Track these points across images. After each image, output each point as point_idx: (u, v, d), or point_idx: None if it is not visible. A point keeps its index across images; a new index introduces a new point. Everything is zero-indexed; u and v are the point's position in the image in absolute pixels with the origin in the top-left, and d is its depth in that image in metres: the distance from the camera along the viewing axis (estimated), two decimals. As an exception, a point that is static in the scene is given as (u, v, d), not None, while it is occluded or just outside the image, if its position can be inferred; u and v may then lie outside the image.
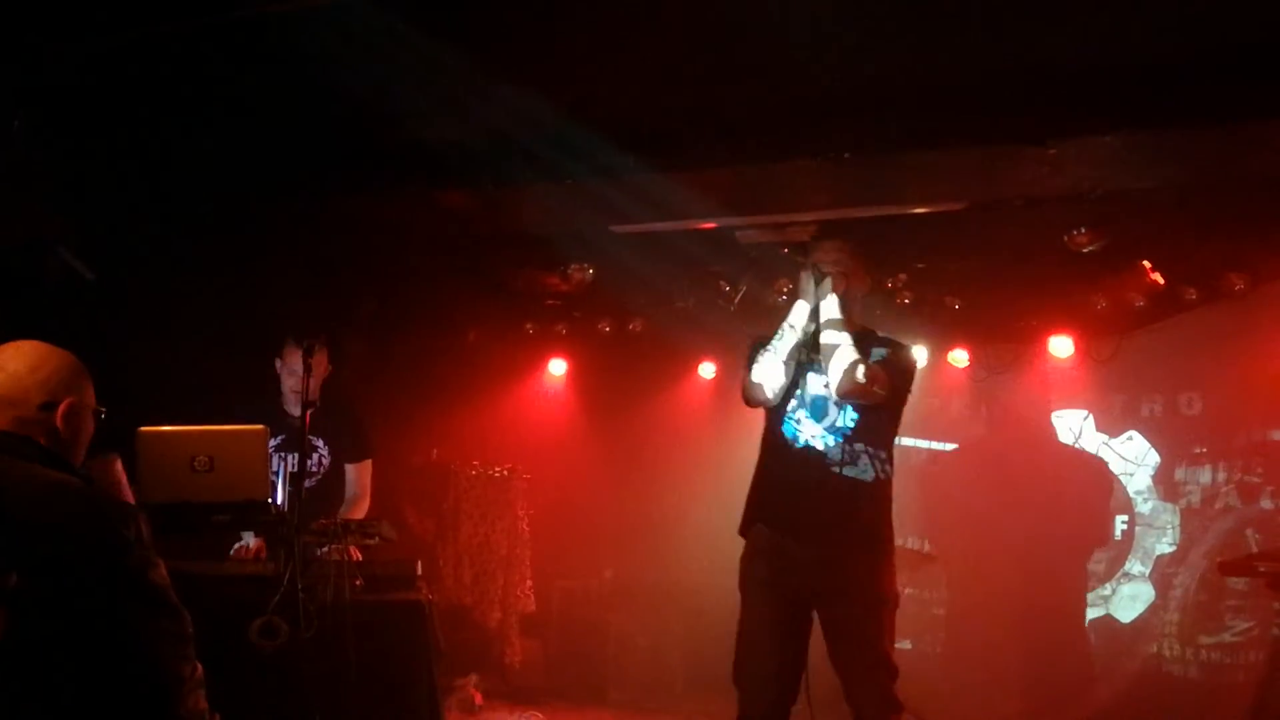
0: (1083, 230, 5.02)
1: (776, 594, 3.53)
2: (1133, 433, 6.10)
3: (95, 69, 3.90)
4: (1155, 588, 5.94)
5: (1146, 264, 4.91)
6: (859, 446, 3.48)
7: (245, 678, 3.00)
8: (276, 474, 4.28)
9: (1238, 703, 5.25)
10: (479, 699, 6.05)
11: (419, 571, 4.06)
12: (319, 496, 4.41)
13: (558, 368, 7.22)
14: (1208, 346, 5.57)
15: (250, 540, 4.18)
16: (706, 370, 7.04)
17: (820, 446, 3.50)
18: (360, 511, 4.47)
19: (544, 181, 4.61)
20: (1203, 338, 5.54)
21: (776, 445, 3.60)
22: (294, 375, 4.33)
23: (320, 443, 4.51)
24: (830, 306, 3.52)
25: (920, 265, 5.69)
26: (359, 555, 3.87)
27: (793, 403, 3.56)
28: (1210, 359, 5.63)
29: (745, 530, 3.72)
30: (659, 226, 5.44)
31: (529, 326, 6.95)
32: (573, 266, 6.07)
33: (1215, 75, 3.64)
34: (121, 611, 1.95)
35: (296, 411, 4.25)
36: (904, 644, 5.19)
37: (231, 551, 4.17)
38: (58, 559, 1.92)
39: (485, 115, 4.19)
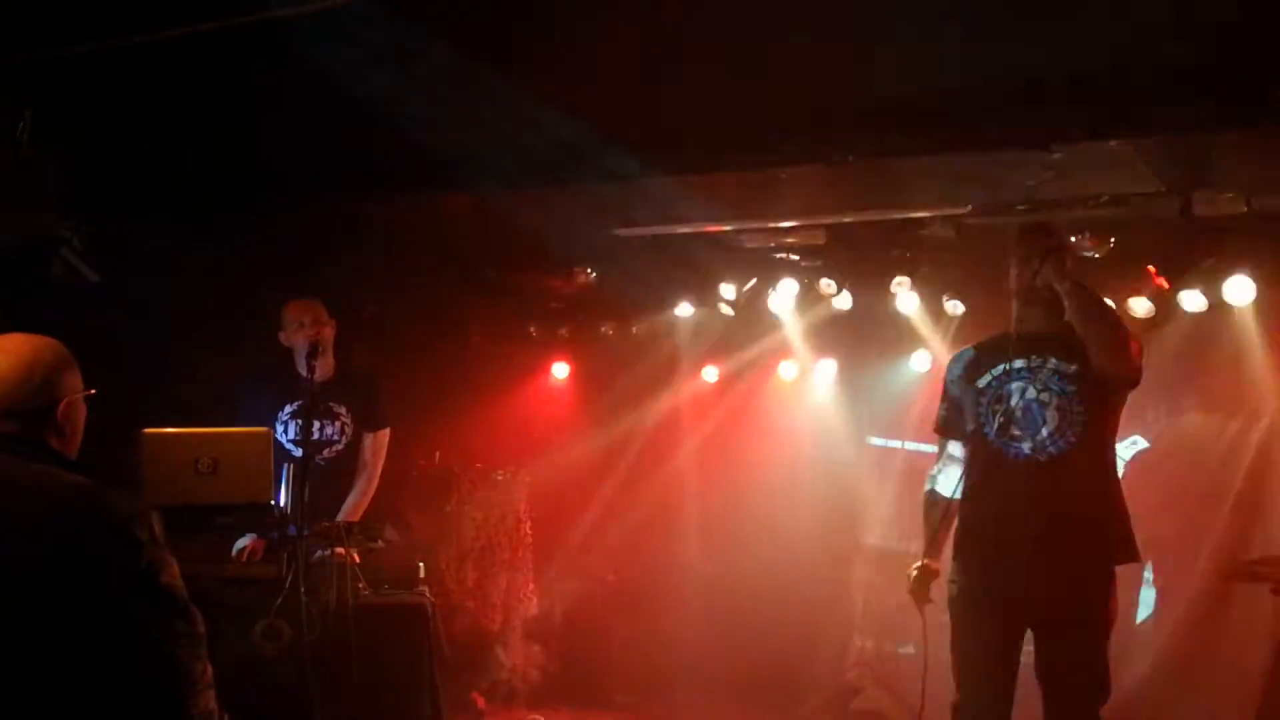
0: (1086, 235, 5.02)
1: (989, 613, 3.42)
2: (1137, 437, 6.09)
3: (100, 72, 3.91)
4: (1157, 594, 5.92)
5: (1151, 269, 4.91)
6: (1078, 452, 3.33)
7: (248, 680, 3.00)
8: (293, 442, 4.26)
9: (1242, 707, 5.24)
10: (481, 702, 6.04)
11: (421, 574, 4.06)
12: (340, 467, 4.37)
13: (560, 370, 7.21)
14: (1212, 351, 5.56)
15: (249, 540, 4.16)
16: (710, 374, 7.03)
17: (1040, 459, 3.35)
18: (368, 492, 4.40)
19: (547, 185, 4.62)
20: (1207, 342, 5.53)
21: (992, 460, 3.45)
22: (300, 329, 4.29)
23: (344, 410, 4.43)
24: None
25: (924, 269, 5.69)
26: (356, 558, 3.84)
27: (1001, 419, 3.42)
28: (1214, 364, 5.61)
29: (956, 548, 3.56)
30: (662, 230, 5.45)
31: (532, 329, 6.95)
32: (576, 269, 6.08)
33: (1220, 80, 3.63)
34: (134, 612, 1.94)
35: (312, 374, 4.17)
36: (907, 648, 5.18)
37: (234, 551, 4.16)
38: (69, 560, 1.92)
39: (488, 119, 4.19)
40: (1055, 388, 3.37)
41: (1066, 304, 3.36)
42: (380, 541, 3.93)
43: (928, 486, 3.70)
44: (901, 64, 3.71)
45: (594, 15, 3.58)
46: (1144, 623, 5.93)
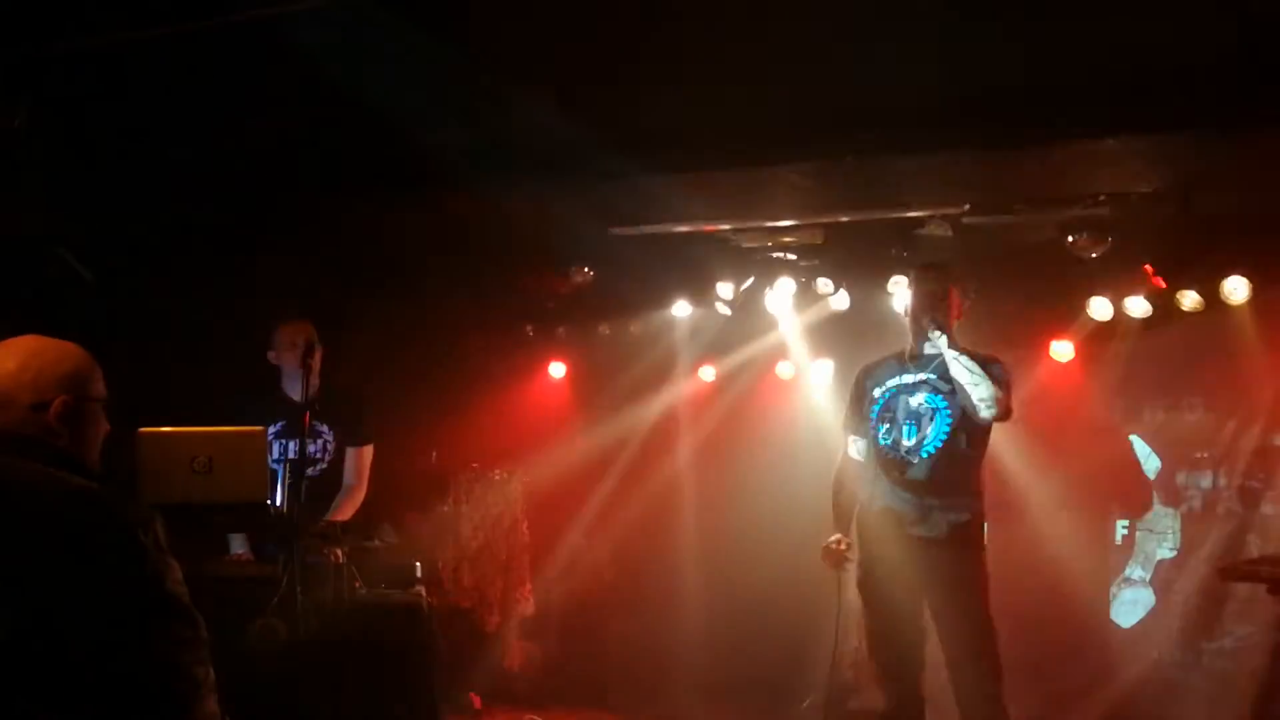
0: (1083, 235, 5.02)
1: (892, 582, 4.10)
2: (1133, 437, 6.10)
3: (98, 69, 3.90)
4: (1156, 593, 5.93)
5: (1148, 268, 4.91)
6: (949, 454, 4.08)
7: (244, 679, 2.99)
8: (279, 462, 4.25)
9: (1240, 709, 5.24)
10: (478, 703, 6.04)
11: (418, 573, 4.04)
12: (325, 485, 4.35)
13: (557, 370, 7.20)
14: (1209, 350, 5.56)
15: (240, 549, 4.15)
16: (706, 373, 7.03)
17: (914, 460, 4.09)
18: (354, 502, 4.39)
19: (544, 184, 4.61)
20: (1204, 341, 5.53)
21: (879, 462, 4.19)
22: (294, 348, 4.27)
23: (325, 428, 4.40)
24: (943, 345, 4.05)
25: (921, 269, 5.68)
26: (340, 556, 3.82)
27: (886, 424, 4.17)
28: (1211, 363, 5.62)
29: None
30: (660, 229, 5.45)
31: (528, 329, 6.94)
32: (573, 269, 6.07)
33: (1218, 79, 3.63)
34: (139, 618, 1.93)
35: (298, 395, 4.17)
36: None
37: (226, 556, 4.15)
38: (72, 564, 1.91)
39: (486, 118, 4.19)
40: (932, 402, 4.10)
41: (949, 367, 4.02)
42: (377, 541, 3.92)
43: (839, 468, 4.35)
44: (900, 63, 3.70)
45: (591, 14, 3.58)
46: (1138, 625, 5.91)
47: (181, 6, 3.52)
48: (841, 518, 4.29)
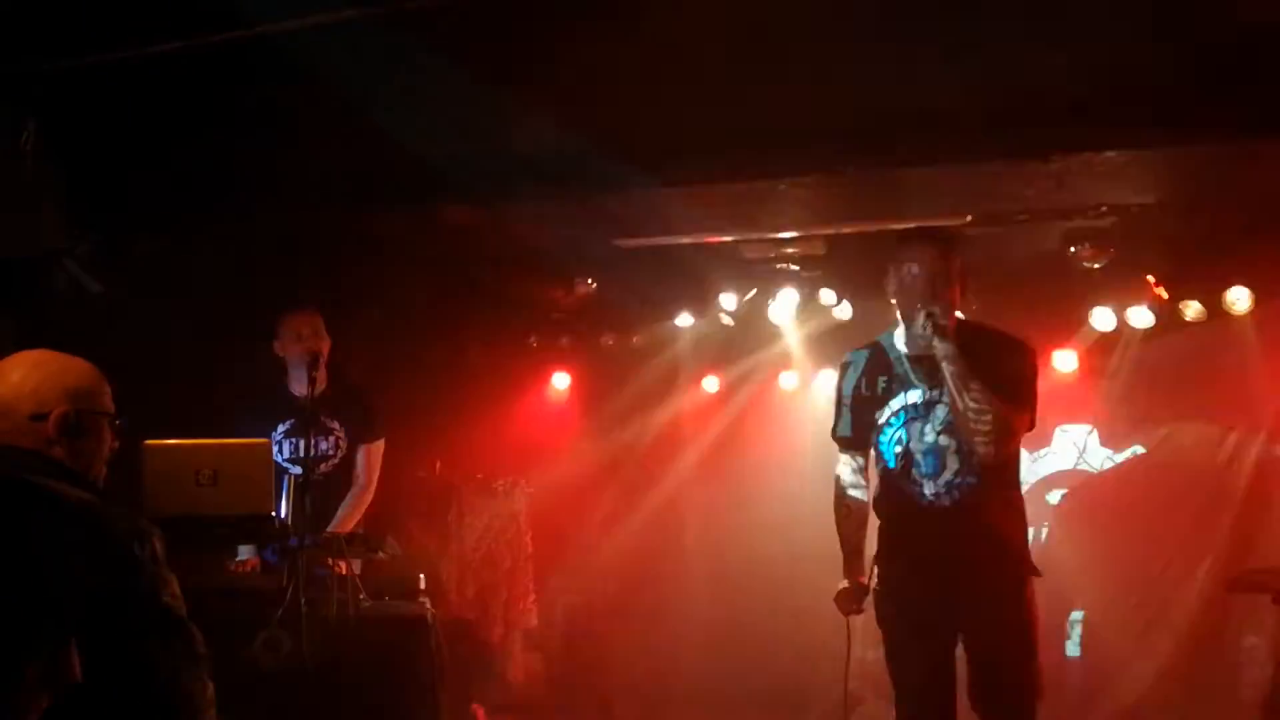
0: (1086, 245, 5.03)
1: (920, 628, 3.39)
2: (1138, 447, 6.09)
3: (103, 84, 3.92)
4: (1161, 605, 5.91)
5: (1150, 278, 4.92)
6: (980, 495, 3.30)
7: (248, 692, 3.00)
8: (290, 461, 4.24)
9: (1245, 717, 5.23)
10: (481, 715, 6.03)
11: (422, 585, 4.05)
12: (336, 482, 4.34)
13: (561, 381, 7.21)
14: (1212, 361, 5.56)
15: (246, 555, 4.16)
16: (710, 384, 7.03)
17: (944, 503, 3.31)
18: (362, 504, 4.36)
19: (548, 195, 4.63)
20: (1207, 352, 5.54)
21: (896, 498, 3.41)
22: (298, 340, 4.25)
23: (337, 424, 4.38)
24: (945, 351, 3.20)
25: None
26: (344, 569, 3.82)
27: (902, 461, 3.36)
28: (1214, 373, 5.62)
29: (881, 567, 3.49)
30: (663, 240, 5.46)
31: (532, 340, 6.95)
32: (576, 280, 6.09)
33: (1218, 90, 3.65)
34: (134, 633, 1.92)
35: (304, 390, 4.17)
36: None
37: (233, 563, 4.15)
38: (67, 578, 1.90)
39: (489, 130, 4.21)
40: (953, 430, 3.28)
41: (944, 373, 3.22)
42: (382, 552, 3.92)
43: (837, 491, 3.54)
44: (901, 75, 3.72)
45: (594, 26, 3.60)
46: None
47: (188, 22, 3.54)
48: (853, 552, 3.52)
